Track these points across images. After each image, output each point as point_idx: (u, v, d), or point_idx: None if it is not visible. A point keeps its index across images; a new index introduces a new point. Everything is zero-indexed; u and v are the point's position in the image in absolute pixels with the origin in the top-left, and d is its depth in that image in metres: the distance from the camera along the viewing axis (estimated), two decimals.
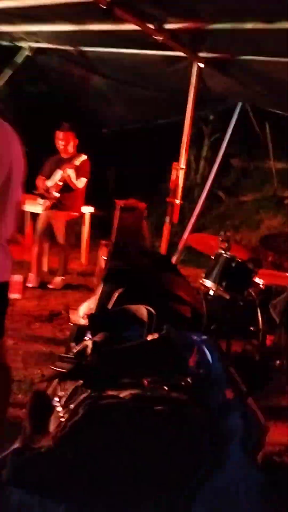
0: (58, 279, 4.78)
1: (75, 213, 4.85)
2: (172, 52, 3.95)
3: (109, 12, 2.93)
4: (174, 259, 5.33)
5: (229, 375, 0.96)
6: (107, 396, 0.72)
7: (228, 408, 0.81)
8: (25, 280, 4.68)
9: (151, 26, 3.33)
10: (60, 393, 0.76)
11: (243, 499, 0.68)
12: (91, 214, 5.83)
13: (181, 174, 4.37)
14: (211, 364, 1.00)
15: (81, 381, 0.74)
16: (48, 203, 4.62)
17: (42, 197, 4.63)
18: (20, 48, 4.67)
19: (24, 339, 3.48)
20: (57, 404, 0.74)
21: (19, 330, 3.60)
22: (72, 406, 0.72)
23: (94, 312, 1.17)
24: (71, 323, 3.74)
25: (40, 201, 4.65)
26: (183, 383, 0.78)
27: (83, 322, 2.96)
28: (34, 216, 4.96)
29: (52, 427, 0.74)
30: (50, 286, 4.69)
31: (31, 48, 4.63)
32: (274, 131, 7.79)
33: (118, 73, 4.86)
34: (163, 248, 4.59)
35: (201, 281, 3.23)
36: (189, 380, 0.80)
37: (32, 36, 4.39)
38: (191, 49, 3.88)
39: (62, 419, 0.72)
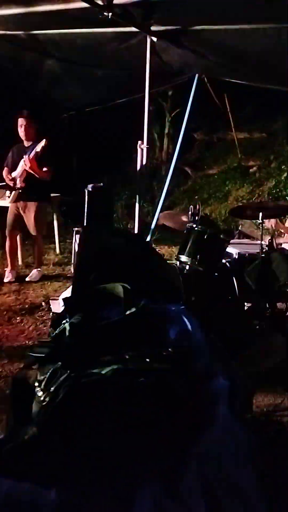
0: (35, 272, 4.74)
1: (44, 202, 4.77)
2: (124, 28, 3.87)
3: None
4: (147, 239, 5.34)
5: (211, 341, 0.98)
6: (87, 375, 0.73)
7: (213, 372, 0.84)
8: (1, 275, 4.62)
9: (99, 2, 3.23)
10: (40, 377, 0.76)
11: (231, 459, 0.71)
12: (60, 201, 5.75)
13: (145, 152, 4.34)
14: (192, 333, 1.02)
15: (60, 363, 0.75)
16: (15, 194, 4.52)
17: (10, 188, 4.53)
18: None
19: (6, 334, 3.45)
20: (38, 388, 0.74)
21: (0, 326, 3.57)
22: (52, 388, 0.72)
23: (65, 297, 1.17)
24: (52, 313, 3.73)
25: (7, 193, 4.55)
26: (164, 353, 0.80)
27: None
28: (2, 210, 4.86)
29: (34, 412, 0.74)
30: (27, 279, 4.64)
31: None
32: (233, 101, 7.84)
33: (71, 55, 4.73)
34: (136, 229, 4.59)
35: (175, 257, 3.26)
36: (170, 350, 0.81)
37: None
38: (142, 23, 3.80)
39: (44, 403, 0.72)
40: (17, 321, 3.73)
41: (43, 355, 0.84)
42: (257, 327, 3.05)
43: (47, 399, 0.72)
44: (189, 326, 1.02)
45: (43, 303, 4.10)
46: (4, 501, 0.70)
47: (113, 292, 1.10)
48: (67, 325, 0.96)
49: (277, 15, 3.29)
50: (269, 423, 2.27)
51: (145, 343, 0.82)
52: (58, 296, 4.04)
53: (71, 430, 0.71)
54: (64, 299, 1.13)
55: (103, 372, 0.74)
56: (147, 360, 0.77)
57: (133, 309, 0.95)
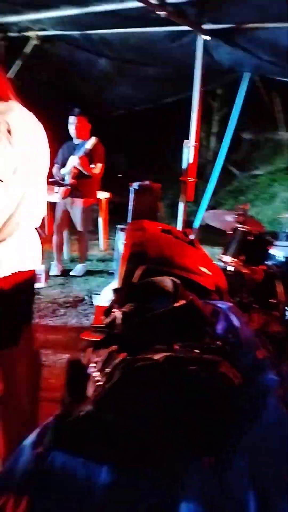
0: (79, 266, 4.86)
1: (92, 200, 4.88)
2: (176, 27, 3.89)
3: None
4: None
5: (259, 337, 0.98)
6: (141, 359, 0.76)
7: (261, 367, 0.84)
8: (48, 269, 4.78)
9: (153, 1, 3.28)
10: (95, 359, 0.80)
11: (281, 450, 0.71)
12: (107, 199, 5.86)
13: (193, 151, 4.33)
14: (239, 328, 1.02)
15: (115, 347, 0.78)
16: (64, 191, 4.66)
17: (59, 185, 4.67)
18: (28, 38, 4.66)
19: (51, 325, 3.58)
20: (93, 369, 0.78)
21: (45, 317, 3.71)
22: (108, 370, 0.76)
23: (115, 288, 1.21)
24: (95, 307, 3.82)
25: (57, 189, 4.69)
26: (213, 346, 0.81)
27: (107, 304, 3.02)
28: (51, 205, 5.02)
29: (89, 392, 0.79)
30: (72, 274, 4.77)
31: (38, 37, 4.61)
32: (283, 101, 7.63)
33: (123, 54, 4.81)
34: (180, 228, 4.59)
35: (219, 257, 3.24)
36: (219, 343, 0.83)
37: (38, 24, 4.37)
38: (194, 22, 3.80)
39: (99, 383, 0.76)
40: (61, 313, 3.85)
41: (97, 339, 0.88)
42: None
43: (103, 379, 0.76)
44: (236, 322, 1.03)
45: (86, 297, 4.21)
46: (60, 473, 0.75)
47: (162, 285, 1.13)
48: (118, 313, 1.00)
49: None
50: None
51: (193, 336, 0.84)
52: (101, 291, 4.14)
53: (125, 410, 0.74)
54: (114, 290, 1.18)
55: (155, 357, 0.77)
56: (196, 351, 0.79)
57: (183, 302, 0.97)
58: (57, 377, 2.79)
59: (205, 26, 3.92)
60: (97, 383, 0.77)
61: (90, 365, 0.82)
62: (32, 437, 0.81)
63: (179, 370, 0.76)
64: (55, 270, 4.76)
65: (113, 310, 1.09)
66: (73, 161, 4.56)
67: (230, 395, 0.73)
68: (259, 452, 0.72)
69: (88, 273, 4.90)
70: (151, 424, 0.75)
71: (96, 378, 0.77)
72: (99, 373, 0.77)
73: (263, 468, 0.71)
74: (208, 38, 4.01)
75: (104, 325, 1.02)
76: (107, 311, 1.13)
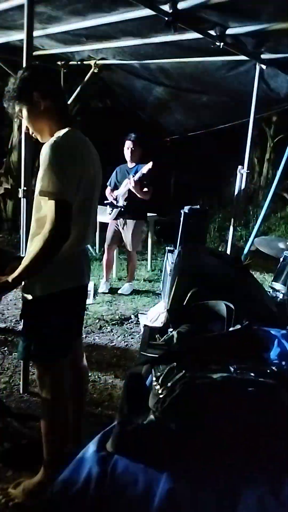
0: (126, 285, 4.95)
1: (142, 221, 4.99)
2: (233, 57, 3.96)
3: (171, 23, 3.02)
4: None
5: None
6: (200, 376, 0.79)
7: None
8: (96, 286, 4.91)
9: (212, 33, 3.37)
10: (157, 374, 0.83)
11: None
12: (156, 220, 5.96)
13: (245, 177, 4.34)
14: None
15: (175, 364, 0.81)
16: (116, 212, 4.81)
17: (111, 206, 4.83)
18: (87, 66, 4.93)
19: (97, 341, 3.65)
20: (155, 383, 0.82)
21: (92, 333, 3.79)
22: (169, 384, 0.79)
23: (169, 308, 1.24)
24: (141, 327, 3.86)
25: (109, 210, 4.85)
26: (268, 371, 0.82)
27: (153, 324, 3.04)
28: (103, 225, 5.18)
29: (151, 403, 0.82)
30: (119, 292, 4.87)
31: (96, 65, 4.86)
32: None
33: (179, 82, 4.95)
34: (228, 253, 4.57)
35: (270, 284, 3.20)
36: (274, 368, 0.83)
37: (98, 54, 4.62)
38: (253, 51, 3.86)
39: (161, 396, 0.80)
40: (107, 330, 3.92)
41: (156, 355, 0.92)
42: None
43: (164, 392, 0.79)
44: None
45: (132, 316, 4.26)
46: (121, 477, 0.78)
47: (216, 309, 1.15)
48: (175, 333, 1.03)
49: None
50: None
51: (248, 360, 0.86)
52: (147, 311, 4.18)
53: (186, 422, 0.77)
54: (168, 310, 1.21)
55: (213, 376, 0.79)
56: (252, 374, 0.80)
57: (238, 326, 0.99)
58: (100, 393, 2.84)
59: (264, 56, 3.97)
60: (158, 396, 0.80)
61: (153, 378, 0.86)
62: (95, 441, 0.85)
63: (236, 390, 0.78)
64: (103, 288, 4.88)
65: (169, 330, 1.12)
66: (127, 183, 4.71)
67: (286, 417, 0.74)
68: None
69: (135, 292, 4.97)
70: (210, 437, 0.77)
71: (158, 391, 0.80)
72: (159, 386, 0.81)
73: None
74: (265, 67, 4.05)
75: (162, 343, 1.05)
76: (162, 330, 1.17)
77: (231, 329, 1.00)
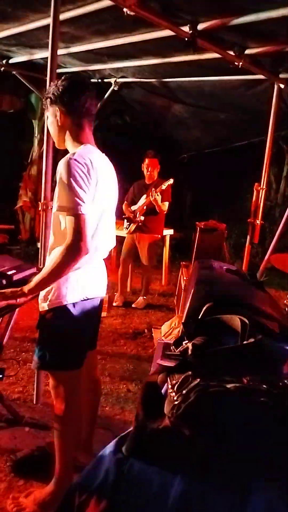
0: (141, 299, 4.97)
1: (158, 235, 5.03)
2: (251, 76, 4.02)
3: (191, 43, 3.10)
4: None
5: None
6: (215, 385, 0.81)
7: None
8: (111, 299, 4.93)
9: (231, 53, 3.44)
10: (172, 382, 0.86)
11: None
12: (171, 236, 6.00)
13: (262, 194, 4.35)
14: None
15: (190, 372, 0.83)
16: (133, 226, 4.86)
17: (128, 220, 4.89)
18: (107, 83, 5.05)
19: (110, 354, 3.66)
20: (171, 390, 0.84)
21: (106, 346, 3.80)
22: (184, 391, 0.81)
23: (184, 321, 1.26)
24: (155, 341, 3.86)
25: (126, 224, 4.91)
26: (281, 384, 0.83)
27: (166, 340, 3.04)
28: (119, 239, 5.24)
29: (166, 409, 0.84)
30: (133, 306, 4.88)
31: (116, 83, 4.98)
32: None
33: (198, 100, 5.03)
34: (244, 269, 4.56)
35: (286, 302, 3.17)
36: (286, 382, 0.84)
37: (119, 72, 4.74)
38: (271, 71, 3.92)
39: (176, 402, 0.82)
40: (121, 343, 3.93)
41: (172, 365, 0.94)
42: None
43: (179, 399, 0.82)
44: None
45: (145, 330, 4.27)
46: (137, 478, 0.80)
47: (230, 323, 1.16)
48: (189, 344, 1.05)
49: None
50: None
51: (261, 373, 0.87)
52: (161, 325, 4.18)
53: (200, 427, 0.79)
54: (183, 323, 1.23)
55: (228, 386, 0.81)
56: (264, 386, 0.82)
57: (251, 340, 1.00)
58: (112, 406, 2.84)
59: (282, 75, 4.02)
60: (174, 402, 0.82)
61: (169, 386, 0.88)
62: (111, 445, 0.88)
63: (249, 399, 0.80)
64: (118, 301, 4.90)
65: (184, 342, 1.14)
66: (144, 199, 4.78)
67: None
68: None
69: (149, 306, 4.98)
70: (223, 442, 0.79)
71: (173, 398, 0.83)
72: (175, 394, 0.83)
73: None
74: (283, 86, 4.10)
75: (177, 353, 1.07)
76: (178, 342, 1.19)
77: (244, 342, 1.01)
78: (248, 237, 4.53)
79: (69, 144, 1.85)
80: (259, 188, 4.31)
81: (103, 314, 4.32)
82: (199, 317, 1.28)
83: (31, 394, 2.83)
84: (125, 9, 2.67)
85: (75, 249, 1.64)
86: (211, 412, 0.78)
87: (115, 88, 5.01)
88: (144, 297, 5.02)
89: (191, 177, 8.20)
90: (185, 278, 4.35)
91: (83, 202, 1.65)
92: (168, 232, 5.76)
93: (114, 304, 4.88)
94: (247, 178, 4.72)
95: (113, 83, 4.97)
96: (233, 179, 7.49)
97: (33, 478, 2.05)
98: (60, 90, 1.80)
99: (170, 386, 0.86)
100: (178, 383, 0.84)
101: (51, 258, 1.73)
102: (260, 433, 0.76)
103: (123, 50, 3.80)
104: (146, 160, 4.85)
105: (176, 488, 0.75)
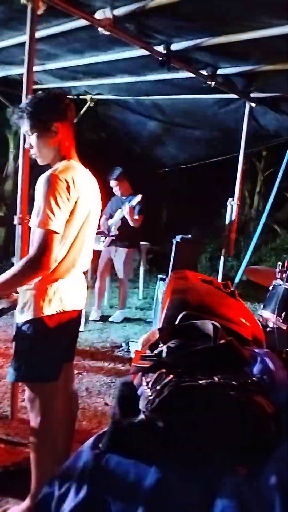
0: (118, 313, 4.97)
1: (134, 249, 5.07)
2: (224, 95, 4.16)
3: (165, 63, 3.19)
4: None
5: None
6: (187, 381, 0.84)
7: None
8: (88, 313, 4.91)
9: (204, 72, 3.56)
10: (147, 380, 0.89)
11: None
12: (148, 249, 6.05)
13: (235, 209, 4.47)
14: (274, 371, 1.06)
15: (164, 370, 0.86)
16: (109, 240, 4.89)
17: (104, 235, 4.92)
18: (83, 100, 5.12)
19: (87, 369, 3.63)
20: (145, 387, 0.87)
21: (83, 361, 3.77)
22: (158, 387, 0.84)
23: (160, 327, 1.29)
24: (132, 354, 3.85)
25: (103, 238, 4.94)
26: (249, 381, 0.87)
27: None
28: (96, 253, 5.24)
29: (141, 405, 0.87)
30: (110, 320, 4.87)
31: (92, 100, 5.06)
32: None
33: (173, 117, 5.14)
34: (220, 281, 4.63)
35: (259, 313, 3.24)
36: (255, 379, 0.88)
37: (94, 89, 4.82)
38: (243, 90, 4.06)
39: (150, 397, 0.85)
40: (98, 357, 3.91)
41: (147, 365, 0.97)
42: None
43: (153, 394, 0.85)
44: (272, 366, 1.07)
45: (123, 344, 4.26)
46: (114, 471, 0.83)
47: (203, 328, 1.20)
48: (164, 347, 1.08)
49: None
50: None
51: (231, 372, 0.91)
52: (138, 339, 4.18)
53: (173, 420, 0.82)
54: (159, 329, 1.26)
55: (200, 382, 0.85)
56: (234, 383, 0.85)
57: (223, 341, 1.04)
58: (90, 420, 2.82)
59: (253, 95, 4.18)
60: (148, 398, 0.86)
61: (143, 383, 0.91)
62: (90, 441, 0.90)
63: (219, 393, 0.83)
64: (94, 315, 4.88)
65: (159, 346, 1.17)
66: (119, 214, 4.83)
67: (263, 420, 0.79)
68: (284, 467, 0.78)
69: (126, 320, 4.98)
70: (194, 433, 0.83)
71: (148, 394, 0.86)
72: (149, 390, 0.86)
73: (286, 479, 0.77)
74: (254, 105, 4.25)
75: (151, 354, 1.10)
76: (153, 346, 1.22)
77: (215, 344, 1.05)
78: (223, 251, 4.62)
79: (53, 159, 1.87)
80: (233, 203, 4.43)
81: (80, 328, 4.30)
82: (175, 324, 1.31)
83: (6, 410, 2.78)
84: (100, 29, 2.74)
85: (36, 263, 1.66)
86: (184, 405, 0.82)
87: (91, 105, 5.08)
88: (121, 310, 5.02)
89: (168, 192, 8.33)
90: (162, 291, 4.39)
91: (55, 218, 1.67)
92: (144, 246, 5.81)
93: (91, 318, 4.86)
94: (223, 193, 4.83)
95: (88, 100, 5.03)
96: (209, 194, 7.66)
97: (9, 494, 2.01)
98: (51, 103, 1.82)
99: (145, 384, 0.89)
100: (152, 380, 0.87)
101: (15, 266, 1.74)
102: (228, 424, 0.80)
103: (98, 68, 3.88)
104: (112, 182, 4.90)
105: (151, 477, 0.78)
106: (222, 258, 4.62)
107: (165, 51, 3.12)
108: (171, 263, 4.47)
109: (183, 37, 3.04)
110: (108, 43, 3.20)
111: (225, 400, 0.83)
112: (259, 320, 3.18)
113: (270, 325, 3.09)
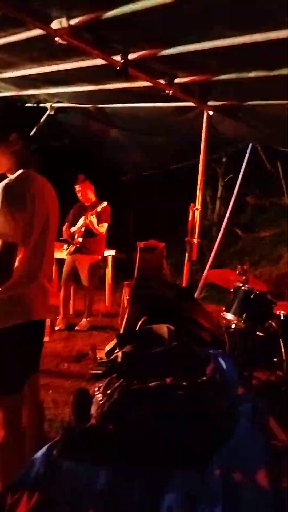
0: (84, 321, 4.93)
1: (98, 256, 5.06)
2: (183, 103, 4.25)
3: (123, 72, 3.24)
4: (195, 296, 5.42)
5: (242, 377, 1.06)
6: (136, 384, 0.86)
7: (239, 399, 0.91)
8: (53, 323, 4.85)
9: (162, 81, 3.63)
10: (99, 385, 0.90)
11: (250, 457, 0.80)
12: (113, 256, 6.05)
13: (197, 214, 4.55)
14: (226, 370, 1.10)
15: (114, 375, 0.87)
16: (72, 248, 4.86)
17: (67, 242, 4.88)
18: (44, 109, 5.09)
19: (54, 379, 3.58)
20: (97, 392, 0.88)
21: (48, 371, 3.72)
22: (109, 392, 0.86)
23: (118, 334, 1.31)
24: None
25: (65, 246, 4.90)
26: (199, 381, 0.89)
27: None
28: (60, 261, 5.20)
29: (93, 410, 0.88)
30: (76, 328, 4.83)
31: (52, 108, 5.04)
32: (285, 168, 8.06)
33: (133, 125, 5.19)
34: (184, 285, 4.70)
35: (222, 315, 3.32)
36: (205, 378, 0.91)
37: (54, 97, 4.81)
38: (200, 99, 4.17)
39: (101, 402, 0.86)
40: (64, 367, 3.87)
41: (101, 372, 0.99)
42: None
43: (104, 399, 0.86)
44: (224, 364, 1.11)
45: (89, 352, 4.23)
46: (66, 475, 0.83)
47: (159, 332, 1.23)
48: (119, 353, 1.10)
49: None
50: None
51: (184, 372, 0.93)
52: (105, 347, 4.17)
53: (122, 422, 0.84)
54: (116, 335, 1.28)
55: (150, 385, 0.87)
56: (184, 383, 0.87)
57: (175, 343, 1.07)
58: (57, 430, 2.78)
59: (210, 103, 4.29)
60: (99, 402, 0.87)
61: (95, 389, 0.93)
62: (43, 449, 0.90)
63: (168, 393, 0.86)
64: (60, 324, 4.83)
65: (115, 352, 1.19)
66: (82, 221, 4.82)
67: (211, 415, 0.82)
68: (231, 459, 0.81)
69: (93, 328, 4.95)
70: (143, 434, 0.84)
71: (99, 399, 0.88)
72: (101, 394, 0.88)
73: (232, 470, 0.80)
74: (212, 113, 4.37)
75: (105, 360, 1.12)
76: (110, 352, 1.23)
77: (168, 347, 1.08)
78: (187, 255, 4.70)
79: (10, 168, 1.86)
80: (194, 208, 4.52)
81: (45, 339, 4.24)
82: (136, 329, 1.34)
83: None
84: (56, 38, 2.75)
85: None
86: (132, 408, 0.84)
87: (51, 113, 5.06)
88: (88, 318, 4.99)
89: (133, 199, 8.38)
90: (127, 297, 4.41)
91: (13, 228, 1.66)
92: (109, 253, 5.81)
93: (57, 328, 4.80)
94: (186, 199, 4.92)
95: (48, 107, 5.01)
96: (173, 200, 7.77)
97: None
98: (6, 115, 1.82)
99: (96, 389, 0.90)
100: (103, 385, 0.89)
101: None
102: (176, 422, 0.83)
103: (57, 76, 3.88)
104: (77, 186, 4.91)
105: (102, 479, 0.79)
106: (186, 262, 4.69)
107: (122, 61, 3.16)
108: (136, 269, 4.51)
109: (140, 47, 3.09)
110: (66, 52, 3.21)
111: (173, 400, 0.85)
112: (223, 322, 3.26)
113: (233, 326, 3.17)
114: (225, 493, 0.76)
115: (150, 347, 1.13)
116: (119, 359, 1.04)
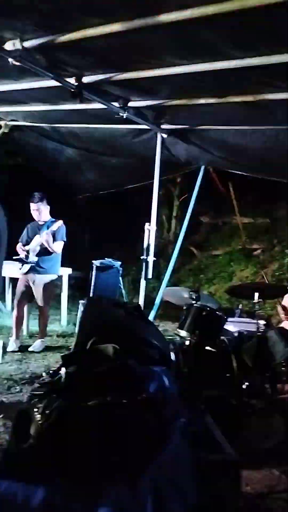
0: (38, 342, 4.83)
1: (54, 275, 5.00)
2: (137, 126, 4.36)
3: (77, 94, 3.29)
4: (152, 314, 5.47)
5: (186, 393, 1.09)
6: (75, 403, 0.87)
7: (177, 415, 0.95)
8: (5, 344, 4.71)
9: (116, 104, 3.72)
10: (38, 405, 0.90)
11: (177, 471, 0.83)
12: (69, 275, 6.00)
13: (152, 233, 4.64)
14: (167, 388, 1.14)
15: (54, 395, 0.88)
16: (27, 267, 4.78)
17: (22, 261, 4.80)
18: None
19: (5, 403, 3.47)
20: (36, 413, 0.88)
21: (0, 395, 3.60)
22: (47, 412, 0.86)
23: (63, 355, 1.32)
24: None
25: (19, 265, 4.81)
26: (139, 398, 0.92)
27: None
28: (13, 281, 5.09)
29: (32, 430, 0.88)
30: (30, 349, 4.72)
31: (7, 126, 5.01)
32: (237, 189, 8.40)
33: (89, 145, 5.26)
34: (141, 303, 4.73)
35: (175, 332, 3.38)
36: (144, 395, 0.94)
37: (9, 116, 4.79)
38: (153, 122, 4.30)
39: (40, 422, 0.87)
40: (17, 390, 3.76)
41: (42, 392, 0.99)
42: (256, 407, 3.04)
43: (42, 419, 0.87)
44: (166, 382, 1.14)
45: (43, 374, 4.12)
46: (3, 496, 0.83)
47: (104, 351, 1.25)
48: (63, 373, 1.10)
49: (275, 120, 3.75)
50: (263, 504, 2.22)
51: (125, 391, 0.95)
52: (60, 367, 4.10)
53: (59, 441, 0.84)
54: (62, 356, 1.28)
55: (89, 403, 0.88)
56: (124, 401, 0.90)
57: (118, 363, 1.09)
58: None
59: (163, 126, 4.43)
60: (38, 423, 0.87)
61: (34, 409, 0.93)
62: None
63: (105, 411, 0.88)
64: (13, 346, 4.70)
65: (60, 372, 1.20)
66: (37, 240, 4.76)
67: (143, 430, 0.85)
68: (160, 472, 0.84)
69: (48, 348, 4.85)
70: (79, 451, 0.86)
71: (38, 420, 0.88)
72: (40, 415, 0.88)
73: (162, 482, 0.83)
74: (165, 136, 4.51)
75: (47, 381, 1.12)
76: (54, 373, 1.24)
77: (107, 367, 1.10)
78: (143, 273, 4.75)
79: None
80: (149, 227, 4.60)
81: None
82: (83, 349, 1.35)
83: None
84: (10, 59, 2.77)
85: None
86: (70, 427, 0.85)
87: (6, 131, 5.02)
88: (42, 339, 4.89)
89: (89, 218, 8.40)
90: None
91: None
92: (66, 272, 5.76)
93: (9, 349, 4.66)
94: (142, 218, 4.99)
95: (3, 125, 4.98)
96: (130, 219, 7.86)
97: None
98: None
99: (36, 410, 0.91)
100: (43, 406, 0.90)
101: None
102: (109, 441, 0.85)
103: (12, 95, 3.88)
104: (31, 206, 4.85)
105: (37, 496, 0.80)
106: (142, 281, 4.74)
107: (76, 83, 3.22)
108: (92, 287, 4.50)
109: (93, 71, 3.16)
110: (20, 72, 3.22)
111: (111, 418, 0.88)
112: (177, 339, 3.31)
113: (187, 343, 3.23)
114: (155, 508, 0.79)
115: (95, 367, 1.15)
116: (62, 379, 1.05)
